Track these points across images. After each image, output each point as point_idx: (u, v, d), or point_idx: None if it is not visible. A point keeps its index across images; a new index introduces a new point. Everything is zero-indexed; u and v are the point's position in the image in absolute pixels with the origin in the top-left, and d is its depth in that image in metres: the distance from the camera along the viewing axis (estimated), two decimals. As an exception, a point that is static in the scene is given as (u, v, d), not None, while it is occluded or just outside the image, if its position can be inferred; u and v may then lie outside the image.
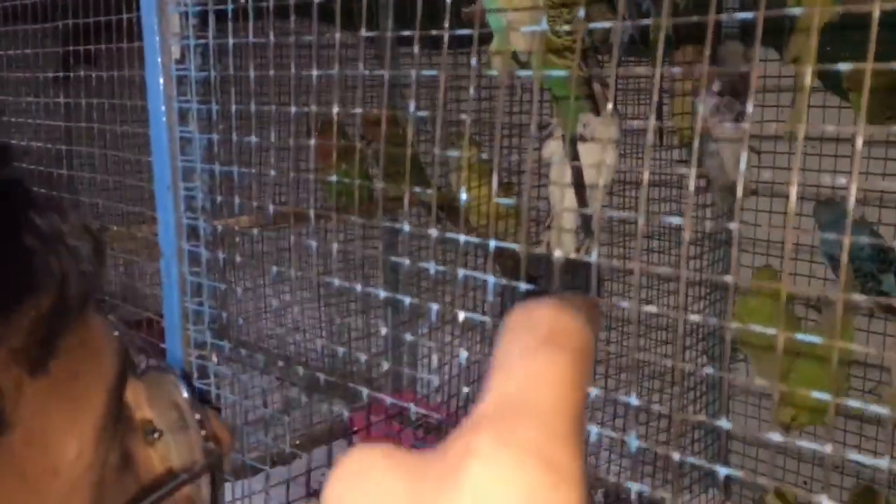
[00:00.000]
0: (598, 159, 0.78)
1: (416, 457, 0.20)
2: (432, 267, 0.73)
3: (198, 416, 0.41)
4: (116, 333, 0.38)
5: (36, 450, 0.33)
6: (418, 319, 0.93)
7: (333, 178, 0.83)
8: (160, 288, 1.13)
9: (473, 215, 1.45)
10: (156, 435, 0.40)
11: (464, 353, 0.75)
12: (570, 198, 0.80)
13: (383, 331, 0.78)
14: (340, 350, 0.85)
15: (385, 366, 0.88)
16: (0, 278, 0.32)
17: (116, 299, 1.47)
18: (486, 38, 0.93)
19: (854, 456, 0.54)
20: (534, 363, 0.21)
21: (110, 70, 1.16)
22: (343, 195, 0.95)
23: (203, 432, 0.41)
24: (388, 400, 0.83)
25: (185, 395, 0.41)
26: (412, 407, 0.75)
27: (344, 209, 0.88)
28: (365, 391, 0.82)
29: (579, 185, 0.82)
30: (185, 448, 0.41)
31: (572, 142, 0.90)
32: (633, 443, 0.60)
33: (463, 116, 0.68)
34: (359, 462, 0.20)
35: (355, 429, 1.31)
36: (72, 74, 1.25)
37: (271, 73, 0.87)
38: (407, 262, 0.76)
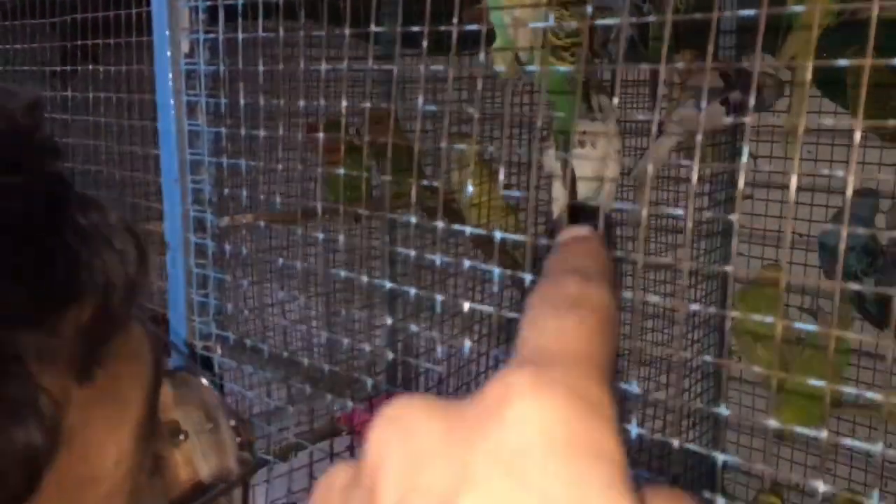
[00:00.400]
0: (603, 153, 0.80)
1: (454, 402, 0.21)
2: (438, 258, 0.75)
3: (233, 422, 0.40)
4: (149, 334, 0.38)
5: (77, 458, 0.32)
6: (419, 314, 0.94)
7: (341, 170, 0.84)
8: (161, 282, 1.14)
9: (473, 214, 1.46)
10: (181, 437, 0.40)
11: (468, 343, 0.76)
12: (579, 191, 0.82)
13: (388, 320, 0.79)
14: (345, 341, 0.86)
15: (390, 355, 0.90)
16: (45, 286, 0.31)
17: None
18: (489, 39, 0.95)
19: (847, 441, 0.55)
20: (564, 321, 0.22)
21: (110, 65, 1.17)
22: (348, 190, 0.97)
23: (238, 439, 0.40)
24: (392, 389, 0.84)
25: (217, 398, 0.41)
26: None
27: (349, 205, 0.89)
28: (370, 381, 0.84)
29: (571, 179, 0.85)
30: (211, 450, 0.40)
31: (563, 136, 0.92)
32: (634, 430, 0.62)
33: (470, 110, 0.70)
34: (398, 409, 0.21)
35: (358, 422, 1.33)
36: (73, 69, 1.26)
37: (280, 66, 0.89)
38: (413, 253, 0.78)
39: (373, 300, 1.38)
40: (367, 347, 0.85)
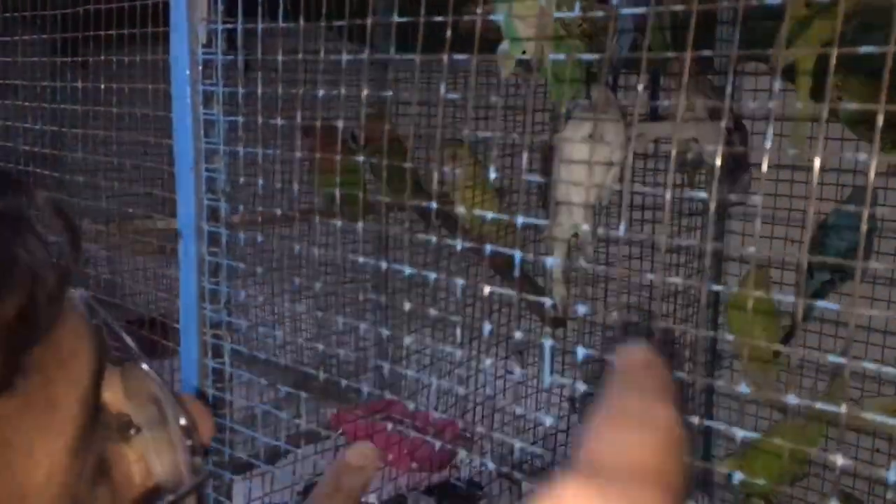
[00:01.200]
0: (612, 141, 0.82)
1: None
2: (460, 283, 0.77)
3: (183, 422, 0.35)
4: (89, 321, 0.33)
5: (1, 477, 0.29)
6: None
7: (352, 158, 0.86)
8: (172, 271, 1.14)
9: (467, 203, 1.45)
10: (132, 431, 0.36)
11: (488, 361, 0.77)
12: (594, 176, 0.83)
13: (404, 306, 0.80)
14: (362, 326, 0.87)
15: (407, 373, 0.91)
16: None
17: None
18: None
19: (867, 415, 0.57)
20: (628, 435, 0.22)
21: (124, 55, 1.18)
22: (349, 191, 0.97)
23: (189, 442, 0.36)
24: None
25: (167, 394, 0.36)
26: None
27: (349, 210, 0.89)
28: (386, 365, 0.85)
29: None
30: (164, 448, 0.36)
31: (558, 119, 0.93)
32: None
33: (494, 99, 0.71)
34: None
35: (362, 413, 1.34)
36: (84, 59, 1.27)
37: (300, 56, 0.90)
38: (434, 277, 0.79)
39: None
40: (383, 331, 0.86)
